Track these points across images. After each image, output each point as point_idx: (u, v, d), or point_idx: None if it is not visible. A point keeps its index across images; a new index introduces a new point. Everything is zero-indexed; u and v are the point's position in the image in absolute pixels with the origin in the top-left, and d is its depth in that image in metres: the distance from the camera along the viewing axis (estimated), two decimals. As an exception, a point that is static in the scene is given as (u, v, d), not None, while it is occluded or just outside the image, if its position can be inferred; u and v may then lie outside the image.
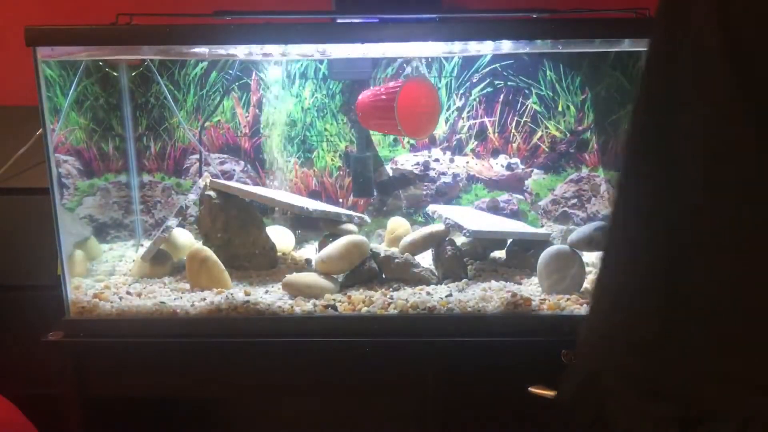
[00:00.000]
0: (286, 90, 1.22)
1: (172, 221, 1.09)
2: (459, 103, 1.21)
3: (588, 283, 1.02)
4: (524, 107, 1.21)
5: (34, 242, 1.15)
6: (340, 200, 1.26)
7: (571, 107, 1.20)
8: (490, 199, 1.25)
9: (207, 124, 1.23)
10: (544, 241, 1.10)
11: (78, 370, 0.96)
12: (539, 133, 1.22)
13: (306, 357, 0.97)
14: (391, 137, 1.23)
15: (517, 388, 0.84)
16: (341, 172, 1.25)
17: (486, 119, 1.22)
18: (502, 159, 1.24)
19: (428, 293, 0.99)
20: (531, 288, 1.02)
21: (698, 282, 0.46)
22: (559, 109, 1.21)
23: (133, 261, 1.13)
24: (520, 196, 1.25)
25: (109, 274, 1.11)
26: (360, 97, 1.15)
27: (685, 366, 0.46)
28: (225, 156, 1.25)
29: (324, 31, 0.99)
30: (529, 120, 1.21)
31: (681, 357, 0.46)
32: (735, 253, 0.44)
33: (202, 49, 1.09)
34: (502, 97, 1.20)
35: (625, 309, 0.49)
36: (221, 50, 1.11)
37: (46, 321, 0.98)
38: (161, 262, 1.09)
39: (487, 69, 1.19)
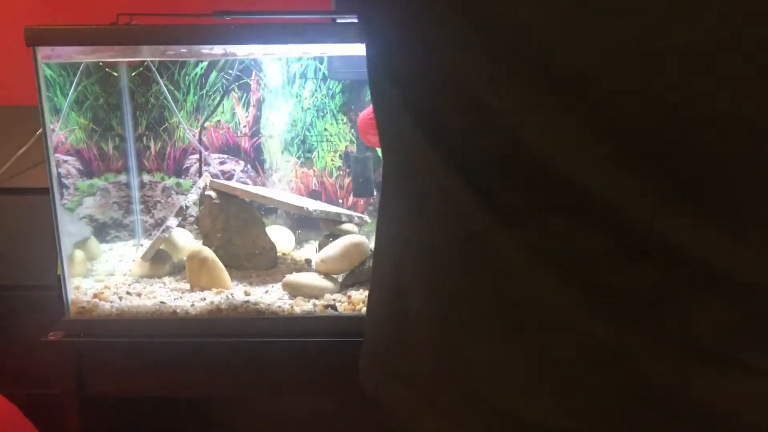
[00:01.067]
0: (286, 90, 1.22)
1: (172, 221, 1.09)
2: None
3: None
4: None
5: (34, 242, 1.16)
6: (340, 200, 1.26)
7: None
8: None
9: (207, 124, 1.23)
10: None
11: (78, 370, 0.96)
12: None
13: (306, 357, 0.97)
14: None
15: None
16: (341, 172, 1.25)
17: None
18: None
19: (428, 293, 0.99)
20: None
21: (412, 316, 0.50)
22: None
23: (133, 261, 1.13)
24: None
25: (109, 274, 1.11)
26: (360, 115, 1.15)
27: (404, 394, 0.51)
28: (225, 156, 1.25)
29: (324, 31, 0.99)
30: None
31: (401, 388, 0.51)
32: (433, 286, 0.47)
33: (203, 49, 1.09)
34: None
35: (375, 326, 0.55)
36: (219, 49, 1.11)
37: (46, 321, 0.98)
38: (161, 262, 1.09)
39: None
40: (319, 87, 1.22)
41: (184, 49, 1.09)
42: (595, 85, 0.37)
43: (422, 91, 0.44)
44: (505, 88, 0.39)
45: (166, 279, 1.07)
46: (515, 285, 0.42)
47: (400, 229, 0.51)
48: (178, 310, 0.97)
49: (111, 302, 0.99)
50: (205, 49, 1.10)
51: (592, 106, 0.38)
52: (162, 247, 1.10)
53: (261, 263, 1.11)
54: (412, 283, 0.50)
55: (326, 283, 1.01)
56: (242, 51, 1.14)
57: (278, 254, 1.15)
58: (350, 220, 1.13)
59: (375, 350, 0.55)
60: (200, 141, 1.24)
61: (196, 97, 1.22)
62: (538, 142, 0.40)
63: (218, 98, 1.22)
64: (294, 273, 1.03)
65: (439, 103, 0.43)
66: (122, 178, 1.24)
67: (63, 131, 1.20)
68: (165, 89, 1.20)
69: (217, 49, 1.11)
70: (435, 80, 0.43)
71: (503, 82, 0.39)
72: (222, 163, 1.25)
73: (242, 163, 1.25)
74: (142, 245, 1.22)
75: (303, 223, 1.25)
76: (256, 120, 1.24)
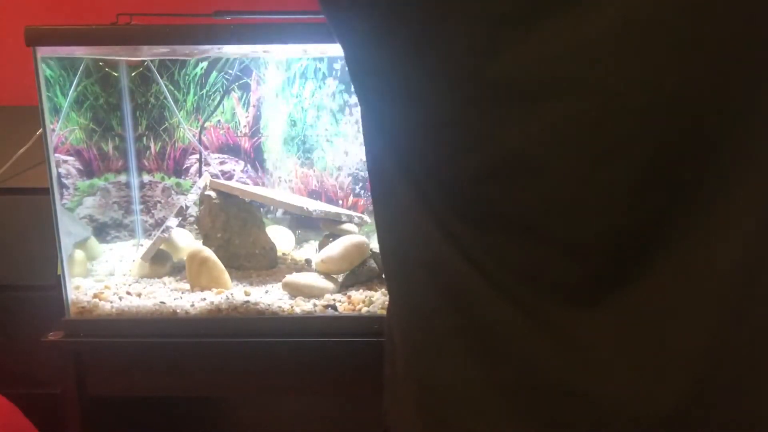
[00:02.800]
0: (286, 89, 1.22)
1: (172, 221, 1.09)
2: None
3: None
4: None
5: (34, 242, 1.16)
6: (340, 201, 1.26)
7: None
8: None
9: (207, 124, 1.23)
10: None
11: (78, 370, 0.96)
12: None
13: (306, 357, 0.97)
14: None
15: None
16: (341, 172, 1.25)
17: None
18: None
19: (428, 293, 0.99)
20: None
21: (396, 348, 0.52)
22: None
23: (133, 261, 1.13)
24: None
25: (109, 274, 1.11)
26: None
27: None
28: (225, 156, 1.25)
29: (324, 31, 0.99)
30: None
31: (396, 415, 0.53)
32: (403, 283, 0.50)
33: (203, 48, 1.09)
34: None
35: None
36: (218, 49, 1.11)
37: (46, 321, 0.98)
38: (161, 262, 1.09)
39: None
40: (319, 87, 1.22)
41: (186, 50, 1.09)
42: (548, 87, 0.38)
43: (383, 104, 0.46)
44: (449, 101, 0.40)
45: (166, 279, 1.07)
46: (479, 314, 0.43)
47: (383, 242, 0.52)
48: (178, 310, 0.97)
49: (111, 302, 0.99)
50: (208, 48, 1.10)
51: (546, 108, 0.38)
52: (162, 247, 1.10)
53: (261, 263, 1.11)
54: (393, 315, 0.52)
55: (326, 283, 1.01)
56: (243, 50, 1.14)
57: (278, 254, 1.15)
58: (350, 220, 1.13)
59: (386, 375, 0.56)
60: (200, 141, 1.24)
61: (196, 97, 1.22)
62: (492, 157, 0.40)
63: (218, 98, 1.22)
64: (294, 273, 1.03)
65: (402, 123, 0.44)
66: (122, 178, 1.24)
67: (63, 131, 1.20)
68: (165, 89, 1.20)
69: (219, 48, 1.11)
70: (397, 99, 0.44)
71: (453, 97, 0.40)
72: (222, 163, 1.25)
73: (242, 163, 1.25)
74: (142, 245, 1.22)
75: (303, 223, 1.25)
76: (256, 120, 1.24)
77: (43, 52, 0.93)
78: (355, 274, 1.04)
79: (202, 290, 1.01)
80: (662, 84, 0.36)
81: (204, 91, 1.21)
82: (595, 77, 0.37)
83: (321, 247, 1.09)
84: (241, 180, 1.25)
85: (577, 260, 0.41)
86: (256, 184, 1.25)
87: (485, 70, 0.38)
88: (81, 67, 1.16)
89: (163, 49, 1.07)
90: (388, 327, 0.54)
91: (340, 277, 1.04)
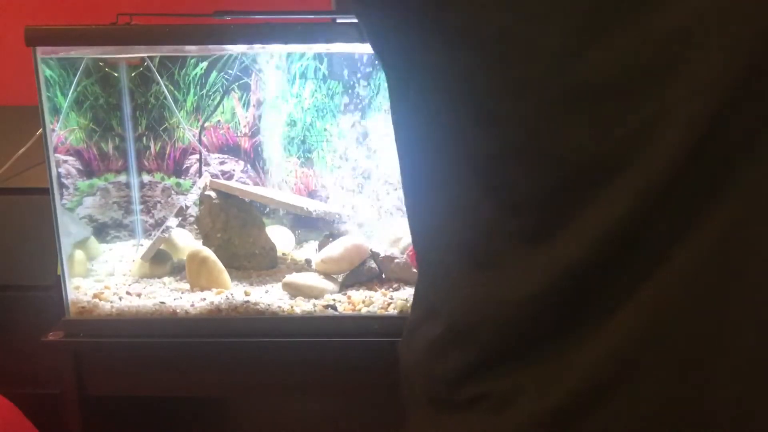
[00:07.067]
0: (286, 90, 1.22)
1: (172, 221, 1.09)
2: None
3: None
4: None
5: (34, 242, 1.15)
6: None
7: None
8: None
9: (207, 124, 1.23)
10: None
11: (78, 370, 0.96)
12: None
13: (306, 357, 0.97)
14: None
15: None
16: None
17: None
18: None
19: (428, 293, 0.99)
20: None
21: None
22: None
23: (133, 261, 1.13)
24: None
25: (109, 274, 1.10)
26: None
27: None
28: (225, 156, 1.25)
29: (324, 31, 0.99)
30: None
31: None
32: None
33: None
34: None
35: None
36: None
37: (46, 321, 0.98)
38: (161, 262, 1.09)
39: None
40: (319, 87, 1.22)
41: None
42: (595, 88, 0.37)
43: (418, 94, 0.44)
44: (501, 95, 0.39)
45: (166, 279, 1.07)
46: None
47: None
48: (178, 310, 0.97)
49: (111, 302, 0.99)
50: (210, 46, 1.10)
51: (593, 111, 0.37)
52: (162, 247, 1.10)
53: (261, 263, 1.11)
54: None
55: (326, 283, 1.01)
56: (243, 48, 1.14)
57: (278, 254, 1.15)
58: (350, 220, 1.13)
59: None
60: (200, 141, 1.24)
61: (196, 97, 1.22)
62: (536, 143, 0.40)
63: (218, 98, 1.22)
64: (294, 273, 1.03)
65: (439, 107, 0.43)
66: (122, 178, 1.24)
67: (63, 131, 1.20)
68: (165, 89, 1.20)
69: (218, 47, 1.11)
70: (432, 85, 0.42)
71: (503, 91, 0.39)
72: (222, 163, 1.25)
73: (242, 163, 1.25)
74: (142, 245, 1.21)
75: (303, 223, 1.25)
76: (256, 120, 1.23)
77: (42, 49, 0.93)
78: (355, 274, 1.04)
79: (202, 290, 1.01)
80: (741, 68, 0.35)
81: (204, 91, 1.21)
82: (685, 69, 0.35)
83: (321, 247, 1.09)
84: (241, 180, 1.25)
85: (647, 263, 0.39)
86: (256, 184, 1.25)
87: (571, 70, 0.36)
88: (81, 66, 1.16)
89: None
90: (401, 352, 0.53)
91: (340, 277, 1.04)
